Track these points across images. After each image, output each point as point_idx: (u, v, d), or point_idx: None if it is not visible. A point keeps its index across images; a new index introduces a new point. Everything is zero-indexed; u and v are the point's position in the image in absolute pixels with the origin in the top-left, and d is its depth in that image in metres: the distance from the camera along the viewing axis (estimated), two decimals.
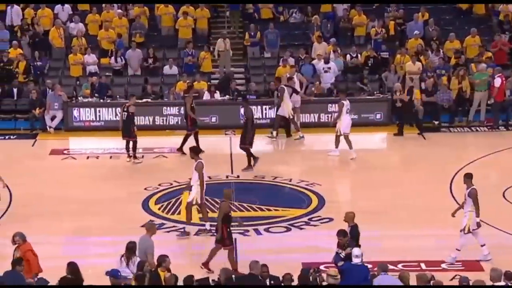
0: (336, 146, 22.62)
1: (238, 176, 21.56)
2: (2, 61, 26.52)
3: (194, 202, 17.55)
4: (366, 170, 22.09)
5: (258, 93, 26.55)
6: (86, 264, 14.62)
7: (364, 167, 22.32)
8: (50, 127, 25.24)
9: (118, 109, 25.16)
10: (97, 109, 25.31)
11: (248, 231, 18.03)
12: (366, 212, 17.37)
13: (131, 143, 22.03)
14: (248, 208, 19.36)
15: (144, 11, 28.97)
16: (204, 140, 24.87)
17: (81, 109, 25.41)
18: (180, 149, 22.87)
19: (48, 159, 22.99)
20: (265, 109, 25.98)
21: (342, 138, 22.54)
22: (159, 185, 20.66)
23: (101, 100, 25.59)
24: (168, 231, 18.07)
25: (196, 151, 18.20)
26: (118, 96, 25.95)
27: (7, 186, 18.93)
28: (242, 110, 23.41)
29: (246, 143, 21.62)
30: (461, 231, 15.91)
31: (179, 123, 25.48)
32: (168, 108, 25.60)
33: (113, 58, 27.37)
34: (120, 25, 28.41)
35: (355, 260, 13.63)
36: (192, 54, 27.77)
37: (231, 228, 15.90)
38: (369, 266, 14.06)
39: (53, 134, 25.10)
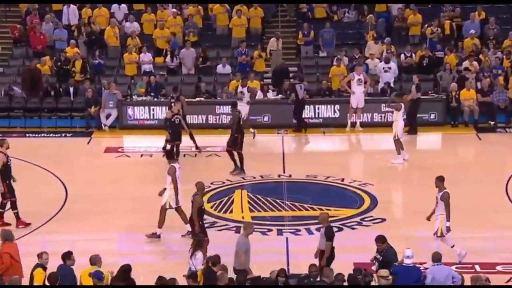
0: (398, 153, 21.99)
1: (290, 175, 21.49)
2: (59, 60, 26.83)
3: (167, 206, 17.22)
4: (419, 170, 21.84)
5: (310, 92, 26.43)
6: (138, 262, 14.74)
7: (418, 167, 22.07)
8: (105, 125, 25.47)
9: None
10: (151, 107, 25.48)
11: (299, 230, 17.96)
12: (419, 213, 17.16)
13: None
14: (300, 207, 19.29)
15: (198, 10, 29.06)
16: (256, 139, 24.96)
17: (136, 107, 25.60)
18: (196, 147, 22.85)
19: (102, 157, 23.19)
20: (318, 108, 25.87)
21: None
22: (212, 183, 20.67)
23: (155, 99, 25.73)
24: (220, 230, 18.08)
25: (170, 156, 17.93)
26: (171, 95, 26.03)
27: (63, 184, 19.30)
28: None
29: (238, 147, 21.20)
30: (434, 234, 15.82)
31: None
32: (221, 107, 25.65)
33: (168, 57, 27.50)
34: (174, 24, 28.55)
35: (407, 261, 13.48)
36: (245, 53, 27.79)
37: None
38: (421, 267, 13.89)
39: (108, 132, 25.33)
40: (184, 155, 22.77)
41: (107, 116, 25.51)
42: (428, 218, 16.24)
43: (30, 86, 26.25)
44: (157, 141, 23.71)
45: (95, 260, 13.38)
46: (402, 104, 22.00)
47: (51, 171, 21.27)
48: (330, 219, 17.74)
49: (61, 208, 18.93)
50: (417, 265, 13.76)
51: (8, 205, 17.81)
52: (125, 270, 13.07)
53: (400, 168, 22.02)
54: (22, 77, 26.55)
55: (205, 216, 18.50)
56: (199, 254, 14.20)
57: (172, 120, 21.33)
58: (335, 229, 17.83)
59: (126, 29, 28.52)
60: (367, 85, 25.53)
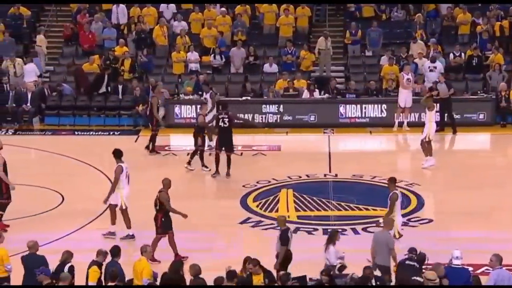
0: (430, 155, 21.46)
1: (336, 175, 21.32)
2: (108, 59, 26.99)
3: (124, 206, 17.17)
4: (467, 170, 21.52)
5: (357, 92, 26.22)
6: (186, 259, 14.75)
7: (466, 167, 21.75)
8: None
9: (216, 113, 25.34)
10: (198, 106, 25.42)
11: (345, 230, 17.81)
12: (466, 213, 16.94)
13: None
14: (346, 207, 19.13)
15: (246, 9, 29.02)
16: (302, 138, 24.86)
17: (182, 106, 25.64)
18: (148, 148, 22.61)
19: (150, 155, 23.23)
20: (365, 108, 25.66)
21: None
22: (257, 182, 20.62)
23: (202, 98, 25.70)
24: (265, 229, 18.01)
25: (117, 154, 17.67)
26: (218, 94, 26.02)
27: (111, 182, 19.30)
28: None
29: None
30: (393, 237, 15.58)
31: (278, 121, 25.46)
32: (267, 106, 25.58)
33: (212, 56, 27.51)
34: (223, 23, 28.55)
35: (455, 262, 13.27)
36: (292, 53, 27.66)
37: None
38: (470, 269, 13.65)
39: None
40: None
41: None
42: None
43: (81, 85, 26.48)
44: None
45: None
46: (435, 104, 21.51)
47: (99, 169, 21.37)
48: (377, 219, 17.63)
49: (108, 206, 18.99)
50: (466, 267, 13.51)
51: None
52: (177, 265, 13.18)
53: (447, 169, 21.66)
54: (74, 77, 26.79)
55: (250, 215, 18.63)
56: (331, 248, 14.14)
57: (158, 106, 21.49)
58: (381, 229, 17.77)
59: (174, 28, 28.58)
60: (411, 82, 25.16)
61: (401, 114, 25.07)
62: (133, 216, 16.98)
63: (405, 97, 24.87)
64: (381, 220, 16.17)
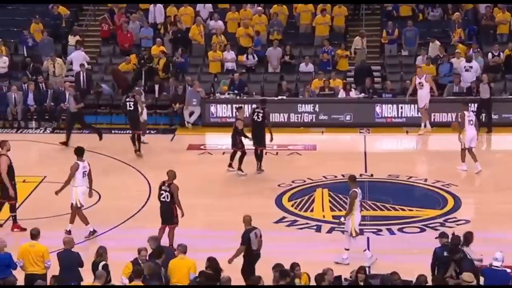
0: (463, 160, 21.01)
1: (372, 175, 21.13)
2: (142, 58, 27.04)
3: (79, 205, 17.17)
4: (505, 171, 21.19)
5: (394, 91, 25.98)
6: (219, 258, 14.63)
7: (504, 168, 21.43)
8: (188, 122, 25.56)
9: (254, 106, 25.23)
10: (234, 105, 25.42)
11: (381, 230, 17.64)
12: (504, 214, 16.67)
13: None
14: (382, 207, 18.96)
15: (282, 9, 28.93)
16: (338, 138, 24.70)
17: (218, 105, 25.60)
18: (137, 151, 22.40)
19: (185, 154, 23.25)
20: (401, 107, 25.41)
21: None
22: (293, 182, 20.51)
23: (238, 97, 25.70)
24: (301, 228, 17.90)
25: (78, 152, 17.62)
26: (254, 93, 26.02)
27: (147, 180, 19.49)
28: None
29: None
30: (350, 235, 15.61)
31: (314, 120, 25.33)
32: (303, 105, 25.45)
33: (245, 55, 27.45)
34: (259, 23, 28.48)
35: (495, 264, 13.06)
36: (328, 52, 27.49)
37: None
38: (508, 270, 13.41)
39: (191, 130, 25.39)
40: (266, 153, 22.66)
41: (190, 114, 25.58)
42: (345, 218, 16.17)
43: (119, 84, 26.57)
44: None
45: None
46: (465, 113, 20.92)
47: (135, 167, 21.40)
48: (413, 219, 17.46)
49: (145, 203, 19.03)
50: (505, 269, 13.27)
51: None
52: (214, 261, 13.23)
53: (485, 169, 21.34)
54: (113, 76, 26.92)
55: (285, 214, 18.54)
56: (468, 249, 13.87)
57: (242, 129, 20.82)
58: (417, 229, 17.61)
59: (211, 28, 28.56)
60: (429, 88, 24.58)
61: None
62: (192, 218, 16.97)
63: (420, 99, 24.42)
64: (342, 219, 16.14)
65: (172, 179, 16.46)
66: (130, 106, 22.57)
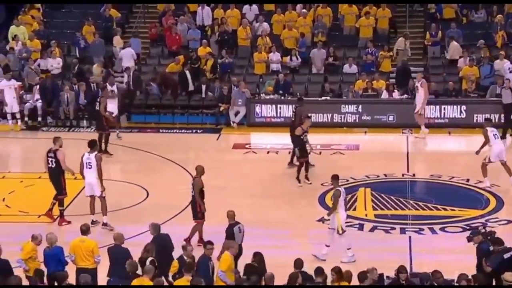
0: (484, 176, 19.77)
1: (414, 175, 20.96)
2: (190, 59, 27.16)
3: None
4: None
5: (436, 92, 25.72)
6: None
7: None
8: (233, 122, 25.61)
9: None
10: (278, 106, 25.43)
11: (423, 229, 17.49)
12: None
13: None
14: (424, 206, 18.80)
15: (327, 11, 28.83)
16: (381, 138, 24.53)
17: (263, 105, 25.61)
18: (105, 151, 22.02)
19: (231, 153, 23.30)
20: (444, 108, 25.17)
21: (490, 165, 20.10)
22: None
23: (283, 97, 25.69)
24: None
25: (90, 144, 17.74)
26: (298, 94, 25.98)
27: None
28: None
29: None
30: (337, 232, 15.73)
31: (357, 120, 25.21)
32: (346, 106, 25.33)
33: (289, 57, 27.41)
34: (304, 25, 28.43)
35: None
36: (372, 53, 27.34)
37: None
38: None
39: (236, 129, 25.43)
40: (309, 152, 22.60)
41: (236, 114, 25.63)
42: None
43: (165, 87, 26.72)
44: (283, 139, 23.60)
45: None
46: (488, 129, 19.89)
47: (182, 166, 21.49)
48: (455, 219, 17.27)
49: (191, 201, 19.08)
50: None
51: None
52: (260, 255, 13.32)
53: None
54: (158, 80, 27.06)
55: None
56: None
57: (301, 137, 20.33)
58: (459, 229, 17.42)
59: (257, 29, 28.58)
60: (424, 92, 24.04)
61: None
62: (236, 216, 16.94)
63: (416, 102, 24.07)
64: (325, 216, 16.23)
65: (199, 174, 16.57)
66: (292, 117, 22.13)
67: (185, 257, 13.51)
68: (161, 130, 25.46)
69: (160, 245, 14.05)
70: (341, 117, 25.37)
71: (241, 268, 13.53)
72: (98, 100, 22.50)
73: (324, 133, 23.77)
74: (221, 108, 25.65)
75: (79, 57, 27.99)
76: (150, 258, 13.44)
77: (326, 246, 15.86)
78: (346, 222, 16.59)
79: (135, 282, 12.86)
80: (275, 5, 29.42)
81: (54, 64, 27.11)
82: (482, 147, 20.03)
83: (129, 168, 21.83)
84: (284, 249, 16.38)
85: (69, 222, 17.62)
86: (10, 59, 27.14)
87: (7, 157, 23.11)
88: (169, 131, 25.30)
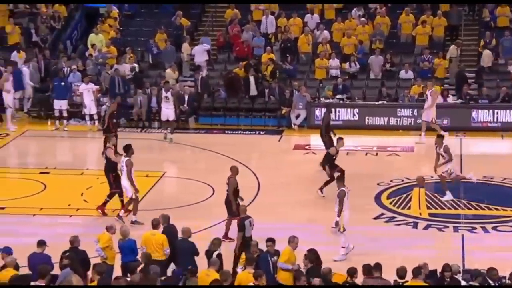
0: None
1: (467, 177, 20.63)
2: (253, 65, 27.24)
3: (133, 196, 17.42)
4: None
5: (490, 97, 25.31)
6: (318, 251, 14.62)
7: None
8: (294, 124, 25.61)
9: (356, 110, 25.15)
10: (337, 109, 25.32)
11: (475, 228, 17.24)
12: None
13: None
14: (476, 206, 18.51)
15: (385, 20, 28.64)
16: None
17: (323, 109, 25.48)
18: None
19: (291, 154, 23.29)
20: (497, 113, 24.74)
21: None
22: (391, 181, 20.28)
23: (341, 101, 25.59)
24: (398, 224, 17.70)
25: (124, 149, 17.59)
26: (356, 98, 25.89)
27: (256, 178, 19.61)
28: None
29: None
30: (338, 230, 15.56)
31: (412, 124, 24.94)
32: (402, 109, 25.09)
33: (348, 63, 27.29)
34: (362, 33, 28.28)
35: None
36: (427, 60, 27.05)
37: None
38: None
39: (297, 131, 25.42)
40: (366, 154, 22.57)
41: (297, 116, 25.64)
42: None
43: (231, 89, 26.88)
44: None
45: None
46: None
47: (246, 165, 21.57)
48: (507, 218, 16.99)
49: (253, 199, 19.18)
50: None
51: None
52: (316, 253, 13.28)
53: None
54: (224, 81, 27.23)
55: (384, 211, 18.36)
56: None
57: (334, 157, 19.50)
58: (511, 228, 17.12)
59: (317, 37, 28.53)
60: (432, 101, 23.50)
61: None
62: (296, 214, 17.01)
63: (425, 111, 23.60)
64: (336, 219, 15.71)
65: (234, 174, 16.66)
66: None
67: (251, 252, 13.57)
68: (226, 131, 25.58)
69: (168, 234, 14.21)
70: (397, 120, 25.14)
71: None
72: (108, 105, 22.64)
73: (380, 135, 23.59)
74: (283, 111, 25.70)
75: (151, 63, 28.35)
76: (217, 252, 13.53)
77: (342, 247, 15.67)
78: (400, 221, 16.47)
79: (202, 273, 12.98)
80: (335, 14, 29.33)
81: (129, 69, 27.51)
82: None
83: (197, 167, 22.01)
84: (338, 244, 16.32)
85: (105, 214, 17.83)
86: (88, 65, 27.66)
87: (86, 155, 23.52)
88: (234, 132, 25.42)
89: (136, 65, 27.41)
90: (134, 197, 17.49)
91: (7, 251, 13.17)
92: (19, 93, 26.46)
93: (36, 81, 27.03)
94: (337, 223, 15.68)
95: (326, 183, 19.03)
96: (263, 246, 13.73)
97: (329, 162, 19.26)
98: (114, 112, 22.09)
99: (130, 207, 17.66)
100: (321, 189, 19.17)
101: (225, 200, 16.69)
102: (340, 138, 19.89)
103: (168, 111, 23.60)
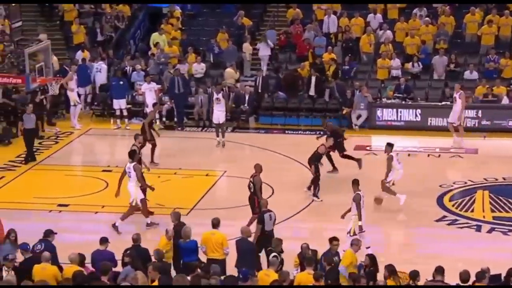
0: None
1: None
2: (315, 65, 27.17)
3: (134, 203, 17.26)
4: None
5: None
6: (380, 253, 14.54)
7: None
8: (355, 125, 25.46)
9: (419, 111, 24.84)
10: (399, 110, 25.08)
11: (510, 230, 16.87)
12: None
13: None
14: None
15: (449, 19, 28.23)
16: (500, 142, 23.78)
17: (384, 109, 25.33)
18: (152, 161, 21.46)
19: (352, 154, 23.00)
20: None
21: None
22: (454, 183, 19.99)
23: (403, 102, 25.33)
24: (461, 227, 17.45)
25: (129, 154, 17.68)
26: (419, 98, 25.58)
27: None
28: None
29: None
30: (347, 233, 15.36)
31: (476, 125, 24.53)
32: (466, 111, 24.40)
33: (410, 63, 26.98)
34: (426, 32, 27.94)
35: None
36: (494, 60, 26.56)
37: None
38: None
39: (358, 132, 25.26)
40: (428, 155, 22.30)
41: (358, 117, 25.48)
42: (342, 216, 15.85)
43: (291, 88, 26.87)
44: (403, 141, 23.33)
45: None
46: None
47: (304, 165, 21.51)
48: None
49: (313, 200, 19.15)
50: None
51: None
52: (373, 258, 13.30)
53: None
54: (285, 79, 27.22)
55: (446, 213, 18.12)
56: None
57: (152, 120, 20.24)
58: None
59: (380, 37, 28.30)
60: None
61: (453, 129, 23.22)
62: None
63: (452, 113, 23.13)
64: (360, 223, 15.57)
65: (258, 172, 16.78)
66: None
67: (303, 253, 13.57)
68: (286, 131, 25.59)
69: (178, 232, 14.28)
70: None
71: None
72: (148, 113, 22.61)
73: (443, 136, 23.25)
74: (344, 111, 25.57)
75: (213, 62, 28.54)
76: (273, 254, 13.54)
77: (366, 248, 15.44)
78: (463, 223, 16.21)
79: (261, 273, 13.01)
80: (398, 14, 29.05)
81: (198, 69, 27.76)
82: None
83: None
84: (406, 246, 16.19)
85: (151, 213, 17.95)
86: (150, 64, 28.00)
87: (146, 154, 23.79)
88: (294, 132, 25.40)
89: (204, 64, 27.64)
90: (134, 204, 17.43)
91: (24, 247, 13.43)
92: (87, 89, 27.04)
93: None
94: (360, 227, 15.58)
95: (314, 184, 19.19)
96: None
97: (317, 160, 19.38)
98: (153, 121, 22.28)
99: (141, 212, 17.60)
100: (309, 188, 19.38)
101: (249, 198, 16.86)
102: (330, 137, 20.03)
103: (219, 113, 23.60)
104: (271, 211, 15.23)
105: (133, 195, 17.44)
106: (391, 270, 12.62)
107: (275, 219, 15.25)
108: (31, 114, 22.38)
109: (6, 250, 13.63)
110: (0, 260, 12.94)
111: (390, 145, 18.37)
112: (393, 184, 18.63)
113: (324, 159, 19.98)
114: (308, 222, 17.63)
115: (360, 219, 15.64)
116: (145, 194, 17.77)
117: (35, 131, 22.77)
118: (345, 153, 21.04)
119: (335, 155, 20.80)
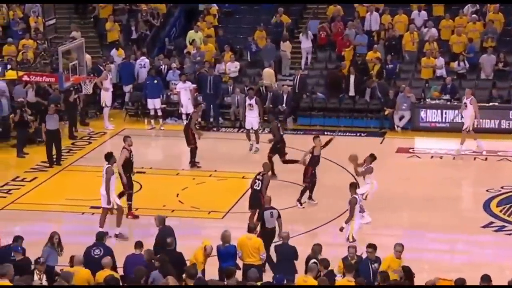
0: None
1: None
2: (356, 63, 27.04)
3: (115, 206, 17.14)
4: None
5: None
6: (422, 258, 14.38)
7: None
8: (397, 126, 25.28)
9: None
10: (444, 110, 24.84)
11: None
12: None
13: None
14: None
15: (498, 16, 27.90)
16: None
17: (428, 110, 25.09)
18: (192, 163, 21.45)
19: (394, 157, 22.97)
20: None
21: None
22: (502, 187, 19.72)
23: (449, 102, 25.06)
24: (509, 234, 17.20)
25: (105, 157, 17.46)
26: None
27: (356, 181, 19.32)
28: None
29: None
30: (347, 240, 15.37)
31: None
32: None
33: (456, 62, 26.69)
34: (473, 30, 27.63)
35: None
36: None
37: None
38: None
39: (400, 133, 25.08)
40: (475, 158, 22.03)
41: (400, 118, 25.29)
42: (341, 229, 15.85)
43: (332, 87, 26.76)
44: (448, 144, 23.09)
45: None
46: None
47: (346, 168, 21.42)
48: None
49: (252, 193, 18.89)
50: None
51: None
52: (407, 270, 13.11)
53: None
54: (326, 79, 27.14)
55: (493, 219, 17.88)
56: None
57: (196, 122, 20.81)
58: None
59: (424, 35, 28.05)
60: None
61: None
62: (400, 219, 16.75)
63: (464, 120, 22.77)
64: (343, 224, 15.68)
65: (267, 170, 17.24)
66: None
67: (349, 258, 13.49)
68: (326, 133, 25.42)
69: (162, 236, 14.30)
70: (509, 123, 24.47)
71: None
72: (191, 115, 22.52)
73: (490, 139, 22.98)
74: (386, 112, 25.39)
75: (250, 61, 28.54)
76: (313, 260, 13.48)
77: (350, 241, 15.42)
78: (510, 230, 15.94)
79: (299, 279, 12.97)
80: (444, 10, 28.77)
81: (232, 67, 27.80)
82: None
83: (293, 168, 21.94)
84: (449, 253, 16.03)
85: (136, 217, 18.09)
86: (186, 63, 28.09)
87: (181, 155, 23.84)
88: (334, 133, 25.24)
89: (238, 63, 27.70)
90: (115, 206, 17.33)
91: (15, 249, 13.56)
92: (131, 86, 27.31)
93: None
94: (341, 228, 15.74)
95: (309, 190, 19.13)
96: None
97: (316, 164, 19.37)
98: (197, 121, 22.35)
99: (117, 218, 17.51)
100: (304, 195, 19.16)
101: (252, 195, 17.02)
102: (316, 136, 19.73)
103: (252, 119, 23.36)
104: (273, 208, 15.44)
105: (110, 199, 17.21)
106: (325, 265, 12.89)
107: (278, 216, 15.37)
108: (54, 115, 22.28)
109: (46, 253, 13.74)
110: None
111: (372, 156, 17.75)
112: (365, 198, 18.00)
113: (324, 162, 19.68)
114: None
115: (346, 221, 15.72)
116: (131, 199, 18.12)
117: (57, 133, 22.34)
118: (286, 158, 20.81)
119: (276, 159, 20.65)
